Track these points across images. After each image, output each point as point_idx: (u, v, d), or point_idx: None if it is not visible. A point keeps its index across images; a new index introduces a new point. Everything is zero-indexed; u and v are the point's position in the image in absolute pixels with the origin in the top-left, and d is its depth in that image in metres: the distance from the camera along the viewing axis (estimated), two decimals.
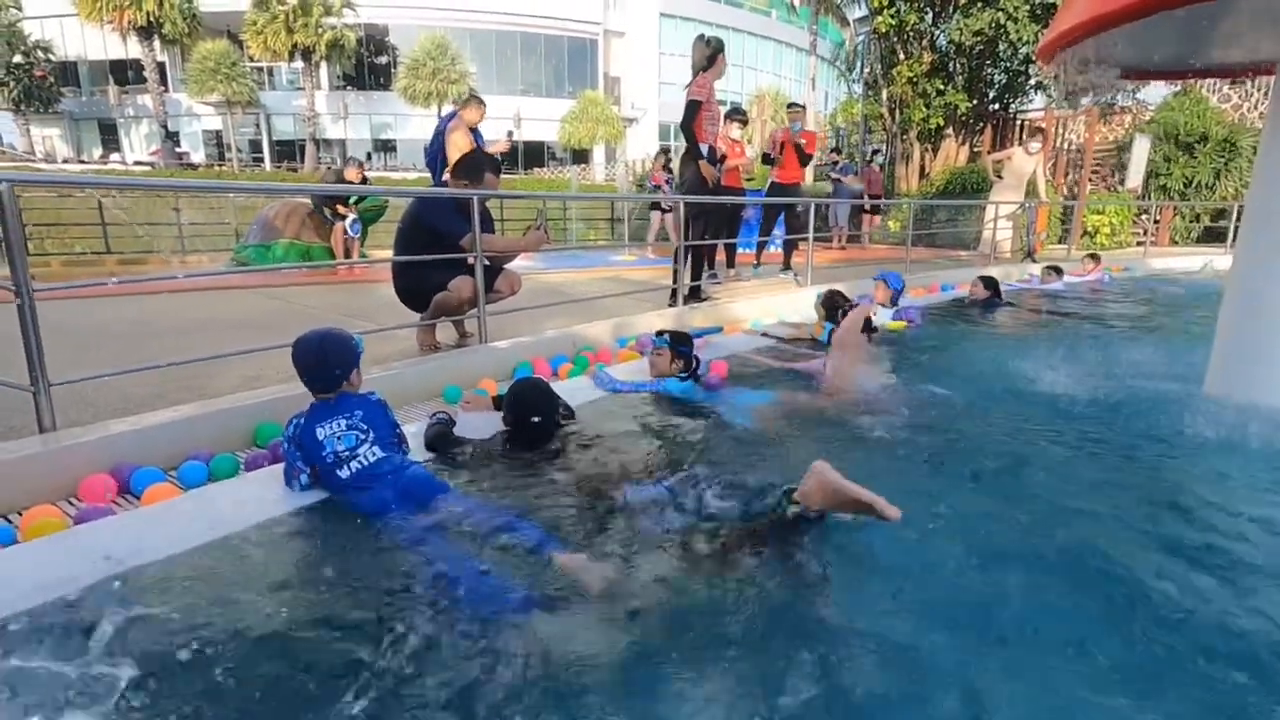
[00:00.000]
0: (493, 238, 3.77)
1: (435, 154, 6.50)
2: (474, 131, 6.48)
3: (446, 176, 5.63)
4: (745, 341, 4.38)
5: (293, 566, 1.73)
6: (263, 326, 4.40)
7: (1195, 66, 3.48)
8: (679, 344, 3.18)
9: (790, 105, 7.54)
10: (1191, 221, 12.56)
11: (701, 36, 5.27)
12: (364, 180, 8.27)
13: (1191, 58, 3.09)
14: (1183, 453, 2.54)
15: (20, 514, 1.94)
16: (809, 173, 15.11)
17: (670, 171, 10.51)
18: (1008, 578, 1.69)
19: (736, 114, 6.99)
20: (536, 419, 2.40)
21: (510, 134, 7.90)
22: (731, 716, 1.24)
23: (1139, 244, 11.84)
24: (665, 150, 11.33)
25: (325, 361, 2.07)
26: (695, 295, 5.35)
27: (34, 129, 33.76)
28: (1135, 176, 11.77)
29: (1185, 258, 9.92)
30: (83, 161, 30.41)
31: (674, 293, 5.16)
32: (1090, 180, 12.50)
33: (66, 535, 1.72)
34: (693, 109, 5.05)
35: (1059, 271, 7.38)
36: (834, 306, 4.43)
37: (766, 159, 7.39)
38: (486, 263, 3.69)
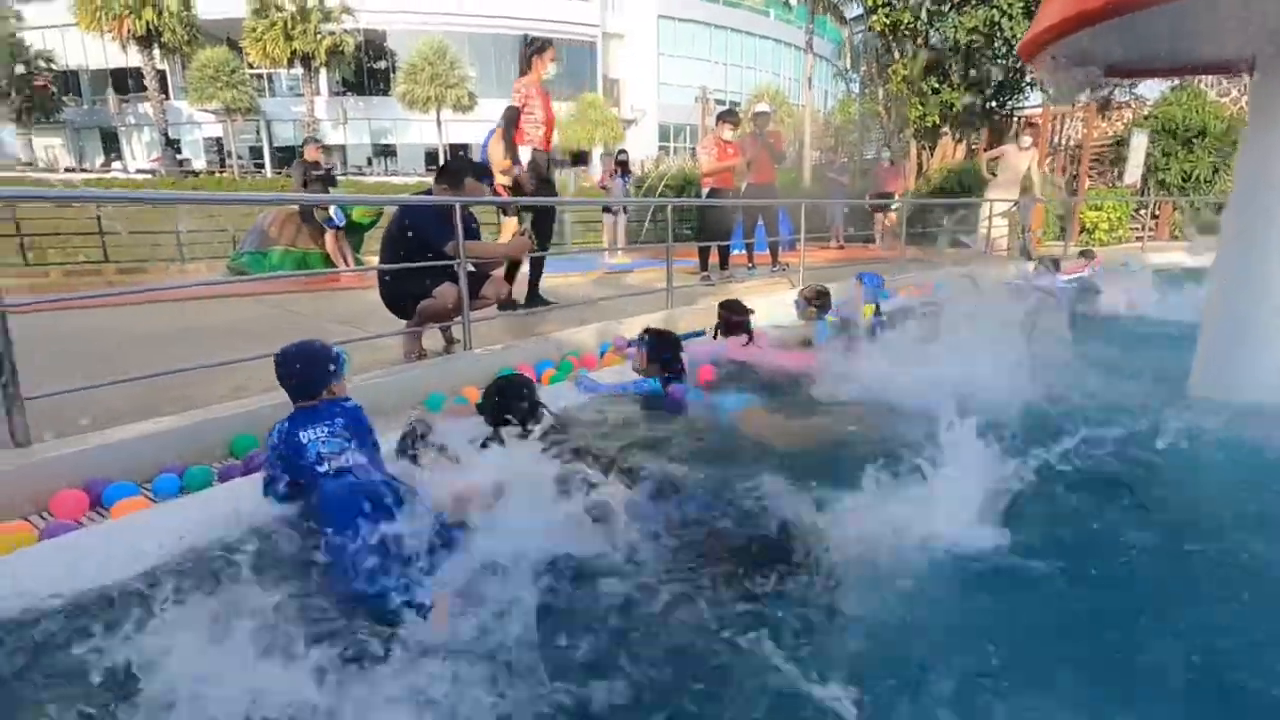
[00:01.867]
0: (477, 244, 3.76)
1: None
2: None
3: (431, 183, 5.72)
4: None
5: (258, 579, 1.71)
6: (254, 334, 4.38)
7: (1180, 64, 3.46)
8: (658, 348, 3.13)
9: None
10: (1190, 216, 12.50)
11: (524, 37, 5.20)
12: (322, 160, 8.22)
13: (1175, 55, 3.07)
14: (1167, 456, 2.50)
15: None
16: (805, 171, 15.14)
17: (628, 172, 10.85)
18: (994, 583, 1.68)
19: (728, 115, 6.97)
20: (511, 416, 2.37)
21: None
22: None
23: (1137, 239, 11.79)
24: (623, 152, 11.34)
25: (292, 373, 2.12)
26: None
27: (36, 138, 33.94)
28: (1134, 172, 11.72)
29: (1182, 253, 9.85)
30: (84, 170, 30.55)
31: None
32: (1089, 176, 12.44)
33: (32, 550, 1.71)
34: (510, 115, 4.95)
35: (1056, 265, 7.29)
36: (817, 295, 4.49)
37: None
38: (472, 268, 3.68)
